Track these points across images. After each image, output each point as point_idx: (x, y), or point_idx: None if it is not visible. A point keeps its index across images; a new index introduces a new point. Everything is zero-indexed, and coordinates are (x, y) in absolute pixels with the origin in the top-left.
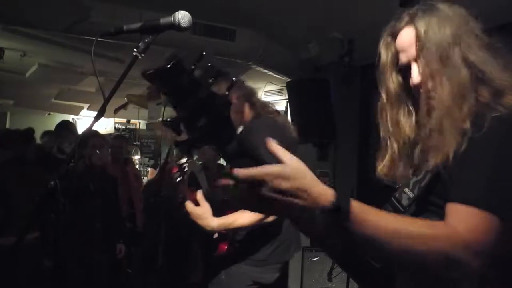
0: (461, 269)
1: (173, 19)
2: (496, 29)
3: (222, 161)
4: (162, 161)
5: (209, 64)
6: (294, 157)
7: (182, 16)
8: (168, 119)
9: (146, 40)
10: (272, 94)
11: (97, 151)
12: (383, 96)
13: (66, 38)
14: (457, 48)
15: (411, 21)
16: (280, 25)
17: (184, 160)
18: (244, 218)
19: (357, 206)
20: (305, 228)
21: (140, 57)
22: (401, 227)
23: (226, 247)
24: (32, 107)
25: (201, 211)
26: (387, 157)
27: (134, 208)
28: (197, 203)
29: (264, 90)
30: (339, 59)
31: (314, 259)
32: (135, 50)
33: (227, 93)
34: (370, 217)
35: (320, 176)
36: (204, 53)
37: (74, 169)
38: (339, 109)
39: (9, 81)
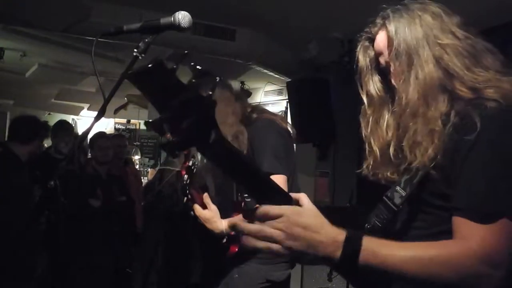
0: (485, 284)
1: (173, 19)
2: (485, 32)
3: None
4: (162, 161)
5: (192, 64)
6: (310, 204)
7: (182, 16)
8: (150, 120)
9: (146, 40)
10: (272, 94)
11: (102, 153)
12: (364, 99)
13: (66, 38)
14: (427, 47)
15: (384, 24)
16: (280, 25)
17: (191, 162)
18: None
19: (368, 246)
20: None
21: (140, 57)
22: (416, 254)
23: (237, 249)
24: (32, 107)
25: (210, 215)
26: (371, 157)
27: (133, 209)
28: (204, 206)
29: (264, 90)
30: (339, 59)
31: None
32: (135, 50)
33: (210, 93)
34: (383, 251)
35: (320, 176)
36: (186, 52)
37: (74, 169)
38: (339, 109)
39: (9, 81)
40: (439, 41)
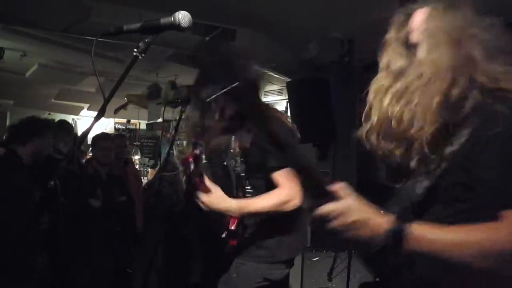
0: None
1: (173, 19)
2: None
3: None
4: (162, 161)
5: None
6: (352, 194)
7: (182, 16)
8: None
9: (146, 40)
10: (272, 94)
11: (103, 153)
12: (382, 67)
13: (66, 38)
14: (457, 32)
15: (423, 4)
16: (280, 25)
17: (199, 151)
18: (261, 201)
19: (415, 228)
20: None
21: (140, 57)
22: (464, 238)
23: (235, 243)
24: (32, 107)
25: (218, 193)
26: (368, 123)
27: (134, 209)
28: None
29: (264, 90)
30: (339, 59)
31: (314, 259)
32: (135, 50)
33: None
34: (430, 236)
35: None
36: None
37: (74, 169)
38: (339, 109)
39: (9, 81)
40: (469, 30)
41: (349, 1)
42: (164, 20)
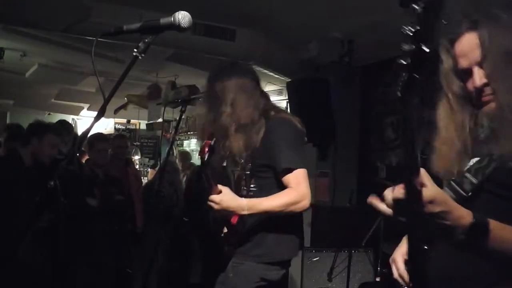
0: None
1: (173, 19)
2: None
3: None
4: (162, 161)
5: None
6: (432, 183)
7: (182, 16)
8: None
9: (146, 40)
10: (272, 94)
11: (100, 155)
12: (449, 98)
13: (66, 38)
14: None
15: (473, 27)
16: (280, 25)
17: (213, 141)
18: (272, 200)
19: (494, 224)
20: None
21: (140, 57)
22: None
23: (235, 239)
24: (32, 107)
25: (228, 193)
26: (447, 153)
27: (134, 209)
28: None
29: (264, 90)
30: (339, 59)
31: (314, 259)
32: (135, 50)
33: None
34: (508, 234)
35: (320, 176)
36: None
37: (73, 169)
38: (339, 109)
39: (9, 81)
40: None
41: (349, 1)
42: (164, 20)
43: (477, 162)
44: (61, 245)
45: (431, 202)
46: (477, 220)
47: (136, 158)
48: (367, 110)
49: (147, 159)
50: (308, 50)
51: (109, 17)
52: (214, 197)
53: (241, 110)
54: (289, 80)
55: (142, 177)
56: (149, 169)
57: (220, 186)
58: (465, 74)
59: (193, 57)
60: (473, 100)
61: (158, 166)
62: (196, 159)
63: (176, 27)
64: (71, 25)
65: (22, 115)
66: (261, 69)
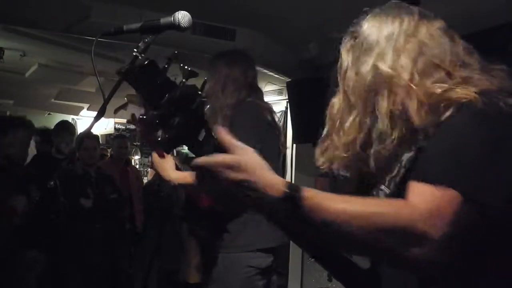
0: (421, 243)
1: (173, 19)
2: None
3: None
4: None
5: (181, 65)
6: (248, 149)
7: (182, 16)
8: (143, 116)
9: (146, 40)
10: (272, 94)
11: (88, 153)
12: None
13: (66, 38)
14: (374, 52)
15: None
16: (280, 25)
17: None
18: None
19: (311, 193)
20: (272, 219)
21: (140, 57)
22: (360, 208)
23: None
24: (32, 107)
25: (165, 163)
26: (331, 150)
27: (133, 209)
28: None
29: (264, 90)
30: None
31: None
32: (135, 50)
33: (200, 92)
34: (326, 202)
35: (320, 176)
36: (176, 52)
37: (73, 170)
38: None
39: (9, 81)
40: (385, 47)
41: (349, 1)
42: (164, 20)
43: (390, 171)
44: (60, 245)
45: (231, 167)
46: (289, 188)
47: (136, 158)
48: None
49: (147, 159)
50: (308, 50)
51: (109, 17)
52: (153, 156)
53: (216, 98)
54: (289, 80)
55: (142, 177)
56: (149, 169)
57: (166, 156)
58: None
59: (193, 57)
60: None
61: None
62: None
63: (176, 27)
64: (71, 25)
65: (22, 115)
66: (261, 69)
